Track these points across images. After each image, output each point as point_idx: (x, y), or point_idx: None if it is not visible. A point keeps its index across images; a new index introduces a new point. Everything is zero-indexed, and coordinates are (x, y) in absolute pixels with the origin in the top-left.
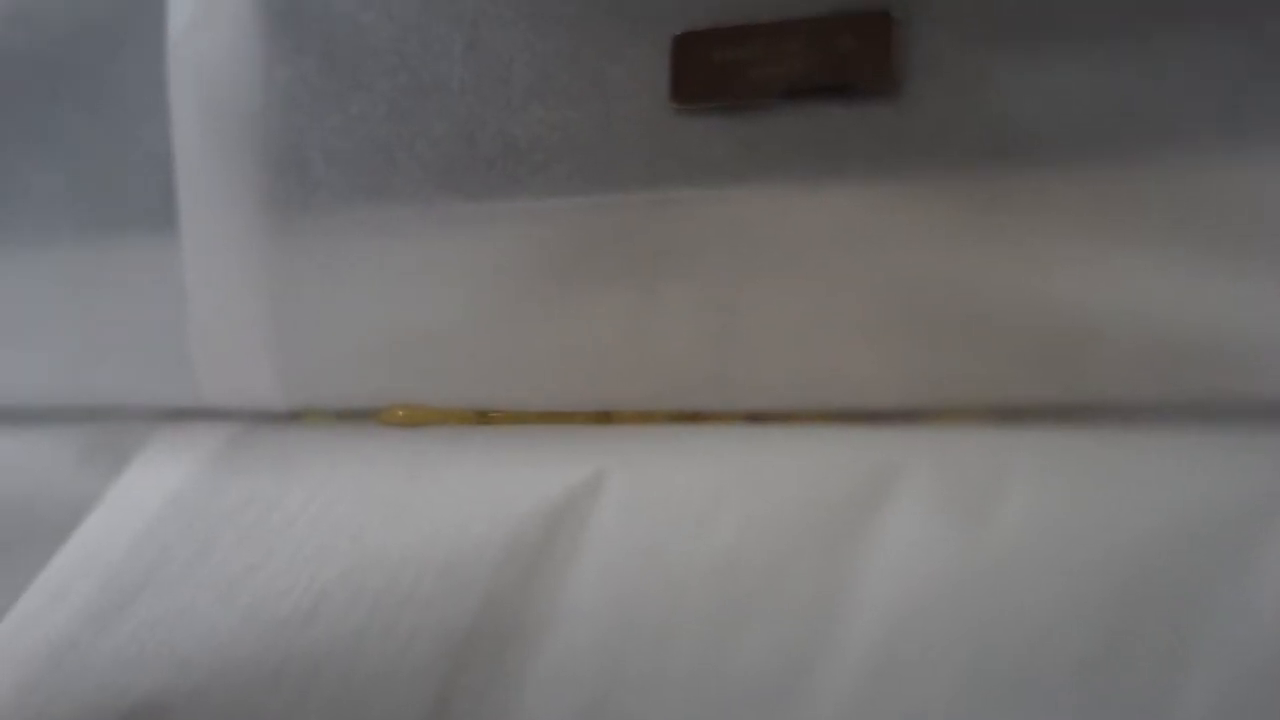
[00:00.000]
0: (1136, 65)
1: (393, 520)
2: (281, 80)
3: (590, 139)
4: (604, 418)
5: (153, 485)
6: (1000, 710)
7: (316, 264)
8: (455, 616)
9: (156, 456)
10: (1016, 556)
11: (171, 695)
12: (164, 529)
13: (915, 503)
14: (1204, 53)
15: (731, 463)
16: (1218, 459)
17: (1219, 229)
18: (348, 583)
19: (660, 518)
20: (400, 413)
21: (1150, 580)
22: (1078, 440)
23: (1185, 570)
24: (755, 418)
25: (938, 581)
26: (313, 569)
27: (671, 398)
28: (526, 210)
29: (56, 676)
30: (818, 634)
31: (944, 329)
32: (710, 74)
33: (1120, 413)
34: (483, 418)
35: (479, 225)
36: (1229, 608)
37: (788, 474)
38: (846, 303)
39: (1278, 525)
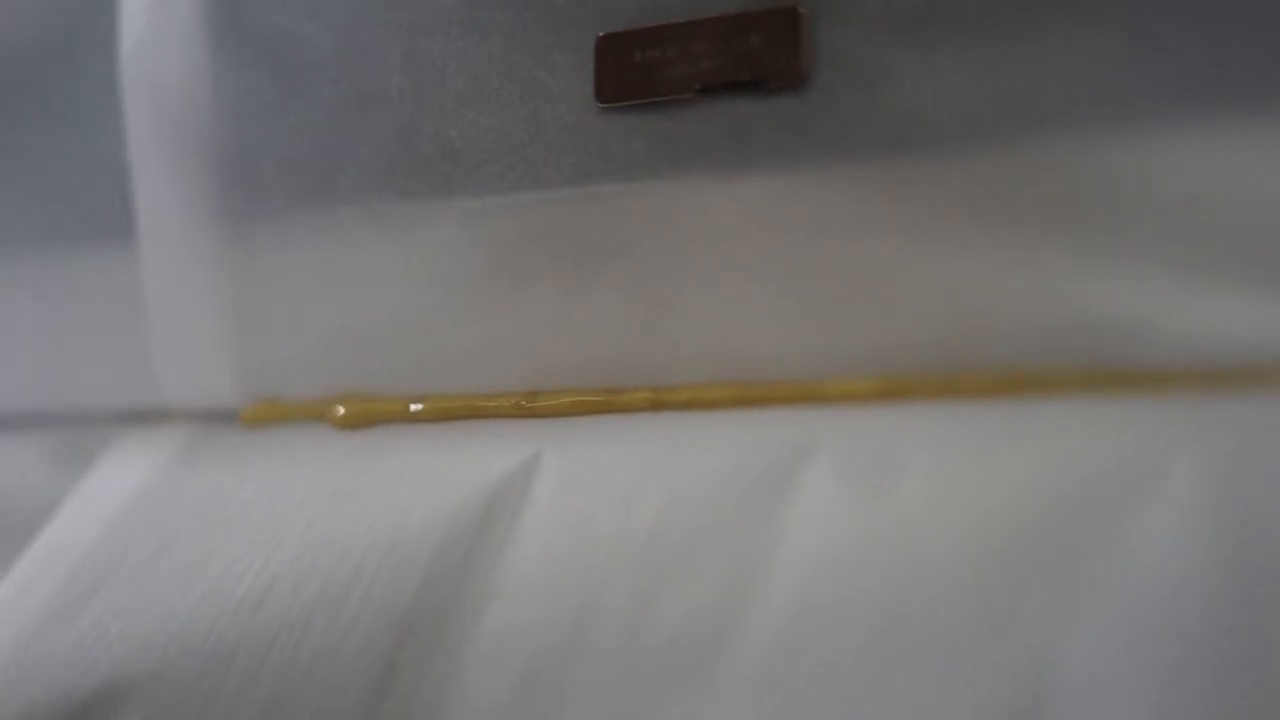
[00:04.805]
0: (1023, 57)
1: (341, 508)
2: (230, 93)
3: (521, 140)
4: (533, 397)
5: (117, 484)
6: (902, 662)
7: (269, 267)
8: (399, 594)
9: (121, 457)
10: (916, 523)
11: (131, 675)
12: (127, 524)
13: (825, 476)
14: (1083, 44)
15: (656, 444)
16: (1102, 426)
17: (1103, 208)
18: (297, 566)
19: (590, 496)
20: (341, 410)
21: (1039, 541)
22: (974, 412)
23: (1072, 531)
24: (674, 399)
25: (845, 550)
26: (265, 555)
27: (599, 380)
28: (463, 209)
29: (24, 659)
30: (736, 601)
31: (851, 309)
32: (631, 74)
33: (1014, 385)
34: (416, 413)
35: (419, 224)
36: (1112, 566)
37: (707, 453)
38: (760, 286)
39: (1158, 488)
